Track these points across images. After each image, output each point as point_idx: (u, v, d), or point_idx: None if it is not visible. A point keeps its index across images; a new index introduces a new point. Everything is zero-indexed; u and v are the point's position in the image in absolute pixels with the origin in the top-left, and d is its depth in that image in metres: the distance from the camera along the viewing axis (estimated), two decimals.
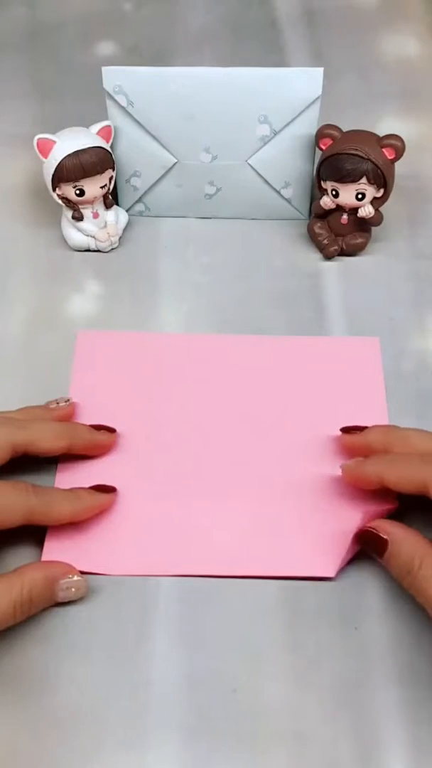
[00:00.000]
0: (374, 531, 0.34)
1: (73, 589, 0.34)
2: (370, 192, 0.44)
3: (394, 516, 0.36)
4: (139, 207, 0.50)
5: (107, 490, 0.37)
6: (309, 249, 0.48)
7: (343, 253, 0.48)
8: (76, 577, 0.34)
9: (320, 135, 0.44)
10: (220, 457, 0.39)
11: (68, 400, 0.40)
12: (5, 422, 0.36)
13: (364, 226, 0.46)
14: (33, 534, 0.36)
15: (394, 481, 0.34)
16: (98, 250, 0.48)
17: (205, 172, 0.47)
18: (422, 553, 0.32)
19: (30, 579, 0.33)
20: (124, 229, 0.49)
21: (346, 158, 0.43)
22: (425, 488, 0.33)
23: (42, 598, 0.33)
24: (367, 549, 0.35)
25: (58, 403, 0.40)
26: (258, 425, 0.40)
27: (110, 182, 0.46)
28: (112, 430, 0.39)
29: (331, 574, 0.35)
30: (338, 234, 0.47)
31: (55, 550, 0.35)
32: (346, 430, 0.38)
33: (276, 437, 0.40)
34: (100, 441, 0.39)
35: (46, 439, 0.36)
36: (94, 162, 0.44)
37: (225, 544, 0.36)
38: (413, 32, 0.61)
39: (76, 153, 0.43)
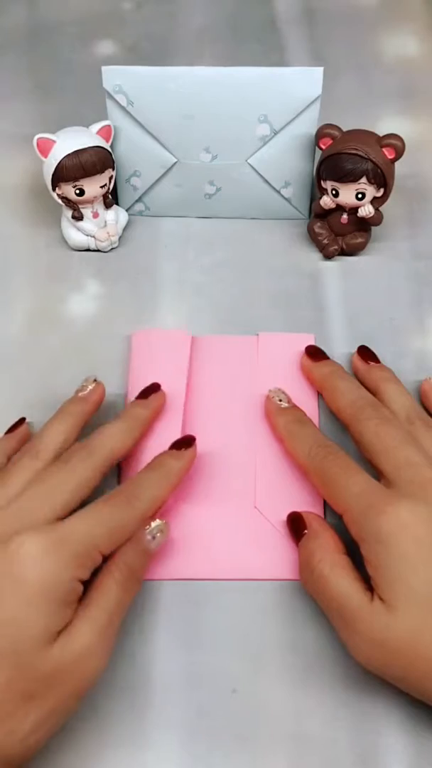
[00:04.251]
0: (301, 518, 0.36)
1: (158, 534, 0.34)
2: (370, 192, 0.44)
3: None
4: (139, 207, 0.50)
5: (187, 442, 0.37)
6: (309, 249, 0.48)
7: (343, 252, 0.47)
8: (156, 524, 0.34)
9: (320, 134, 0.44)
10: (224, 461, 0.39)
11: (95, 380, 0.40)
12: (81, 459, 0.35)
13: (364, 225, 0.46)
14: None
15: (328, 398, 0.39)
16: (98, 250, 0.48)
17: (205, 171, 0.47)
18: (324, 551, 0.33)
19: (121, 552, 0.32)
20: (124, 229, 0.49)
21: (346, 158, 0.43)
22: (347, 422, 0.37)
23: (138, 562, 0.33)
24: (289, 530, 0.37)
25: (85, 388, 0.39)
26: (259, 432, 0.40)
27: (110, 182, 0.46)
28: (157, 388, 0.40)
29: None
30: (338, 234, 0.47)
31: None
32: (310, 351, 0.42)
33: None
34: (158, 406, 0.39)
35: (121, 447, 0.36)
36: (93, 162, 0.43)
37: (224, 548, 0.37)
38: (413, 32, 0.61)
39: (76, 153, 0.43)
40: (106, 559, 0.32)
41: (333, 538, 0.34)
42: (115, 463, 0.36)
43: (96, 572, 0.32)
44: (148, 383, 0.40)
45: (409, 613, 0.29)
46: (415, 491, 0.32)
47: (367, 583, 0.31)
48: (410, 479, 0.32)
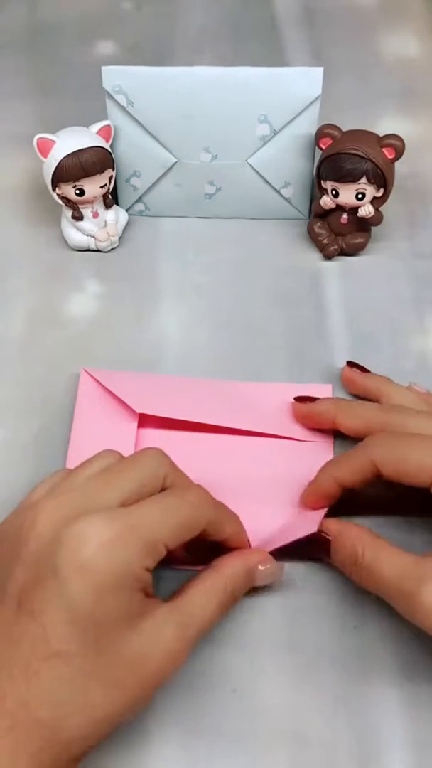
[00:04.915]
0: (322, 533, 0.34)
1: (270, 575, 0.34)
2: (370, 192, 0.44)
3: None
4: (139, 207, 0.50)
5: None
6: (309, 249, 0.48)
7: (343, 252, 0.47)
8: (270, 565, 0.34)
9: (320, 134, 0.44)
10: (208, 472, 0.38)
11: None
12: (209, 499, 0.33)
13: (364, 225, 0.46)
14: None
15: (343, 421, 0.38)
16: (98, 250, 0.48)
17: (205, 171, 0.47)
18: (363, 541, 0.32)
19: (232, 574, 0.32)
20: (124, 229, 0.49)
21: (346, 158, 0.43)
22: (369, 430, 0.36)
23: (243, 590, 0.33)
24: (316, 551, 0.35)
25: None
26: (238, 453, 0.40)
27: (110, 182, 0.46)
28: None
29: (313, 530, 0.35)
30: (338, 234, 0.47)
31: None
32: (299, 399, 0.40)
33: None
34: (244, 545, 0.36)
35: (219, 531, 0.33)
36: (93, 162, 0.44)
37: None
38: (413, 32, 0.61)
39: (76, 153, 0.43)
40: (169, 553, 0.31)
41: (359, 528, 0.33)
42: None
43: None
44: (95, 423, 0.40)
45: None
46: None
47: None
48: None
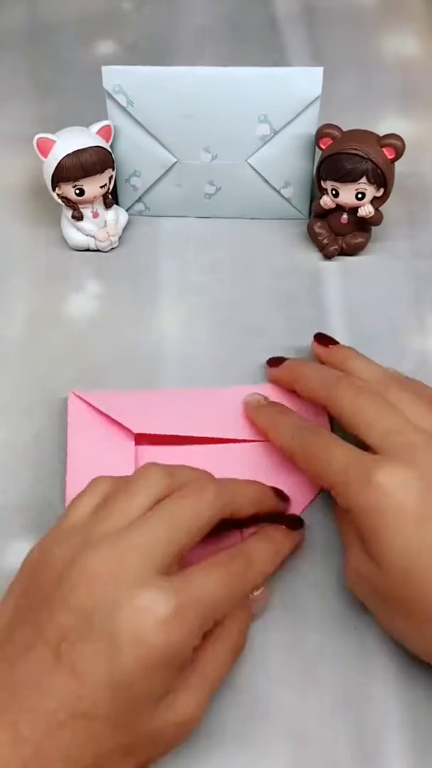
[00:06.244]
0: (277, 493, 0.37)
1: (263, 602, 0.35)
2: (370, 191, 0.44)
3: None
4: (139, 206, 0.50)
5: (297, 522, 0.36)
6: (309, 249, 0.48)
7: (343, 252, 0.47)
8: (258, 592, 0.34)
9: (320, 134, 0.44)
10: None
11: None
12: (222, 489, 0.33)
13: (364, 225, 0.46)
14: None
15: (300, 388, 0.39)
16: (98, 250, 0.48)
17: (205, 171, 0.47)
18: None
19: (233, 619, 0.32)
20: (124, 229, 0.49)
21: (346, 158, 0.43)
22: (323, 402, 0.36)
23: (247, 629, 0.33)
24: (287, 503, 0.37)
25: None
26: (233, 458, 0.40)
27: (110, 182, 0.46)
28: (286, 498, 0.37)
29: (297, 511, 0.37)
30: (338, 233, 0.47)
31: None
32: (271, 362, 0.42)
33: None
34: (281, 508, 0.37)
35: (246, 506, 0.34)
36: (93, 161, 0.43)
37: None
38: (413, 32, 0.61)
39: (76, 152, 0.43)
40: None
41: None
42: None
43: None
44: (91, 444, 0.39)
45: (390, 573, 0.30)
46: (402, 457, 0.31)
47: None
48: (396, 446, 0.32)
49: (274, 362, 0.41)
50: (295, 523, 0.36)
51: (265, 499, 0.36)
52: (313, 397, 0.37)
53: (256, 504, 0.35)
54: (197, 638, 0.29)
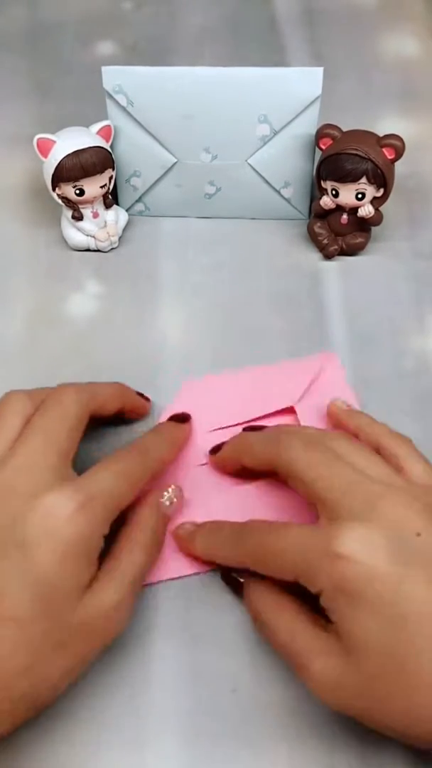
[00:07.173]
0: (234, 575, 0.35)
1: (175, 499, 0.36)
2: (370, 192, 0.44)
3: None
4: (139, 207, 0.50)
5: (183, 418, 0.39)
6: (309, 249, 0.48)
7: (343, 252, 0.47)
8: (169, 489, 0.36)
9: (320, 135, 0.44)
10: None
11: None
12: (79, 389, 0.35)
13: (364, 225, 0.46)
14: None
15: (248, 460, 0.36)
16: (98, 250, 0.48)
17: (205, 171, 0.47)
18: (266, 602, 0.32)
19: (143, 517, 0.34)
20: (124, 229, 0.49)
21: (346, 158, 0.43)
22: (273, 463, 0.33)
23: (160, 527, 0.35)
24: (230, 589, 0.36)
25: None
26: None
27: (110, 182, 0.46)
28: (147, 399, 0.41)
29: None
30: (338, 234, 0.47)
31: None
32: (211, 451, 0.39)
33: None
34: (142, 404, 0.40)
35: (109, 400, 0.37)
36: (93, 162, 0.44)
37: None
38: (413, 32, 0.61)
39: (76, 153, 0.43)
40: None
41: (269, 582, 0.32)
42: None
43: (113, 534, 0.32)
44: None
45: (367, 660, 0.27)
46: (363, 511, 0.29)
47: (318, 617, 0.30)
48: (355, 499, 0.29)
49: (215, 449, 0.38)
50: (183, 417, 0.39)
51: (126, 393, 0.39)
52: (262, 461, 0.35)
53: (118, 398, 0.38)
54: (104, 527, 0.31)
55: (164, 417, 0.40)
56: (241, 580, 0.34)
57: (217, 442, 0.38)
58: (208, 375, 0.43)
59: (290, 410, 0.41)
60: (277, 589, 0.32)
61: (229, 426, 0.40)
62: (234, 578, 0.35)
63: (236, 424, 0.40)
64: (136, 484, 0.33)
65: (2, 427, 0.33)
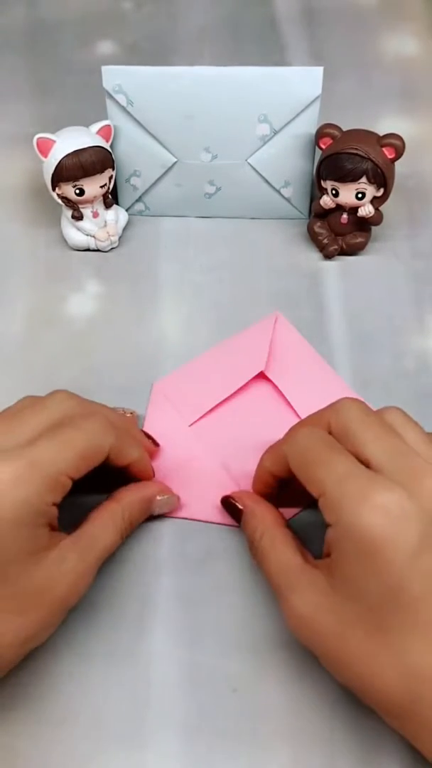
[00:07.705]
0: (232, 500, 0.36)
1: (166, 505, 0.37)
2: (370, 191, 0.44)
3: None
4: (139, 206, 0.50)
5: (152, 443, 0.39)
6: (309, 248, 0.48)
7: (343, 252, 0.47)
8: (167, 496, 0.37)
9: (320, 134, 0.44)
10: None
11: (132, 412, 0.40)
12: (109, 426, 0.33)
13: (363, 225, 0.46)
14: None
15: (276, 467, 0.34)
16: (98, 250, 0.48)
17: (205, 171, 0.47)
18: (264, 526, 0.33)
19: (129, 504, 0.35)
20: (124, 229, 0.49)
21: (346, 157, 0.43)
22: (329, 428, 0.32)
23: (140, 518, 0.36)
24: (229, 514, 0.37)
25: (124, 411, 0.40)
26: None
27: (110, 182, 0.46)
28: (156, 444, 0.39)
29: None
30: (338, 233, 0.47)
31: None
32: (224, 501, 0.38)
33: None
34: (150, 476, 0.38)
35: (125, 460, 0.35)
36: (93, 161, 0.44)
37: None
38: (413, 32, 0.61)
39: (76, 152, 0.43)
40: (78, 483, 0.32)
41: (271, 512, 0.34)
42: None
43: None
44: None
45: (350, 608, 0.28)
46: (405, 480, 0.28)
47: (309, 554, 0.32)
48: (399, 467, 0.29)
49: (225, 501, 0.37)
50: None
51: (142, 459, 0.36)
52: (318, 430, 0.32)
53: (136, 461, 0.35)
54: (52, 495, 0.30)
55: (145, 427, 0.41)
56: (241, 507, 0.35)
57: (198, 436, 0.40)
58: (174, 371, 0.43)
59: (261, 376, 0.42)
60: (274, 519, 0.33)
61: (210, 411, 0.41)
62: (234, 504, 0.36)
63: (216, 406, 0.41)
64: (85, 456, 0.32)
65: (29, 420, 0.33)
